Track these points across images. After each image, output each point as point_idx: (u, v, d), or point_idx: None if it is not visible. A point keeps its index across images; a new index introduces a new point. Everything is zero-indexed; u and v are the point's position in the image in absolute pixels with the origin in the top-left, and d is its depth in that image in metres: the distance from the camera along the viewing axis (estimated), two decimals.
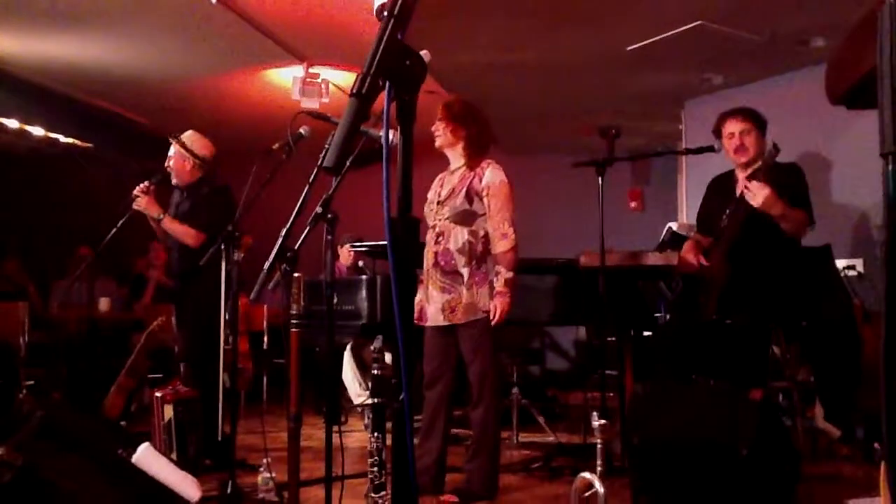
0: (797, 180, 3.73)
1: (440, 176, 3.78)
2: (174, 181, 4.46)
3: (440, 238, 3.57)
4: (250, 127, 7.37)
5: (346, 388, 5.79)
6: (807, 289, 3.86)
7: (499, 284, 3.45)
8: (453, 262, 3.52)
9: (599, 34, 5.29)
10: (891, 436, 0.72)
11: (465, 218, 3.54)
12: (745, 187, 3.60)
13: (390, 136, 1.23)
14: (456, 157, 3.68)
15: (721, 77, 6.12)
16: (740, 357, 3.90)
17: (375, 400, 1.96)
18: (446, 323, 3.52)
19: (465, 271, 3.50)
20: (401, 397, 1.14)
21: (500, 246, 3.49)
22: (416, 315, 3.59)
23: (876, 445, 3.79)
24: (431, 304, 3.56)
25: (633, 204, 8.53)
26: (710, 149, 4.07)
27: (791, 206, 3.60)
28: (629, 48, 5.41)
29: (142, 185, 4.35)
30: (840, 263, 4.25)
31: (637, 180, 8.49)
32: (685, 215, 6.69)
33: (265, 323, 6.78)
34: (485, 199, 3.53)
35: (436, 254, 3.57)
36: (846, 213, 5.07)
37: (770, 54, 5.46)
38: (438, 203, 3.64)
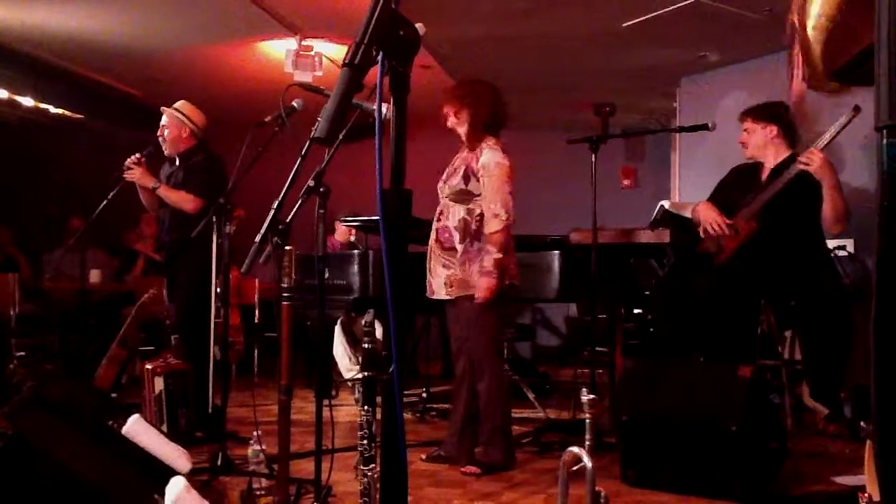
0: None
1: (457, 156, 3.82)
2: (167, 151, 4.44)
3: (441, 215, 3.68)
4: (243, 99, 7.31)
5: (336, 363, 5.80)
6: (799, 267, 3.90)
7: (486, 264, 3.48)
8: (451, 238, 3.61)
9: (596, 10, 5.24)
10: (878, 415, 0.72)
11: (462, 197, 3.61)
12: (802, 155, 3.74)
13: (384, 109, 1.22)
14: (464, 137, 3.72)
15: (717, 54, 6.09)
16: (731, 334, 3.94)
17: (365, 373, 1.96)
18: (449, 297, 3.61)
19: (459, 248, 3.59)
20: (391, 370, 1.14)
21: (491, 226, 3.53)
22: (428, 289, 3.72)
23: (863, 424, 3.83)
24: (435, 279, 3.66)
25: (626, 181, 8.52)
26: (704, 127, 4.08)
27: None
28: (625, 24, 5.37)
29: (133, 157, 4.33)
30: (831, 244, 4.26)
31: (631, 157, 8.48)
32: (678, 193, 6.69)
33: (256, 296, 6.78)
34: (481, 180, 3.56)
35: (437, 230, 3.68)
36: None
37: (768, 31, 5.43)
38: (444, 181, 3.73)
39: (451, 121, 3.71)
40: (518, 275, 3.67)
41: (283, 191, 2.55)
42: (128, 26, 5.94)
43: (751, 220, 3.91)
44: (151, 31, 6.04)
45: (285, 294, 2.49)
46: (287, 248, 2.46)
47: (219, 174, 4.30)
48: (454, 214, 3.62)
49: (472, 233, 3.58)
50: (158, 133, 4.44)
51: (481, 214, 3.58)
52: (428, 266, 3.71)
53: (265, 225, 2.51)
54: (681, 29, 5.47)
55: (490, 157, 3.57)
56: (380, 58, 1.14)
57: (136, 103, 7.73)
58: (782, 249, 3.86)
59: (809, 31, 1.26)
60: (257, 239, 2.51)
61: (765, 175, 4.08)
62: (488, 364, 3.60)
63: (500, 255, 3.48)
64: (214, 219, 3.72)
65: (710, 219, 4.04)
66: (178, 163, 4.43)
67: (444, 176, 3.75)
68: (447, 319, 3.82)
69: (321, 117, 1.13)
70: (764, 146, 4.08)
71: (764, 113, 4.09)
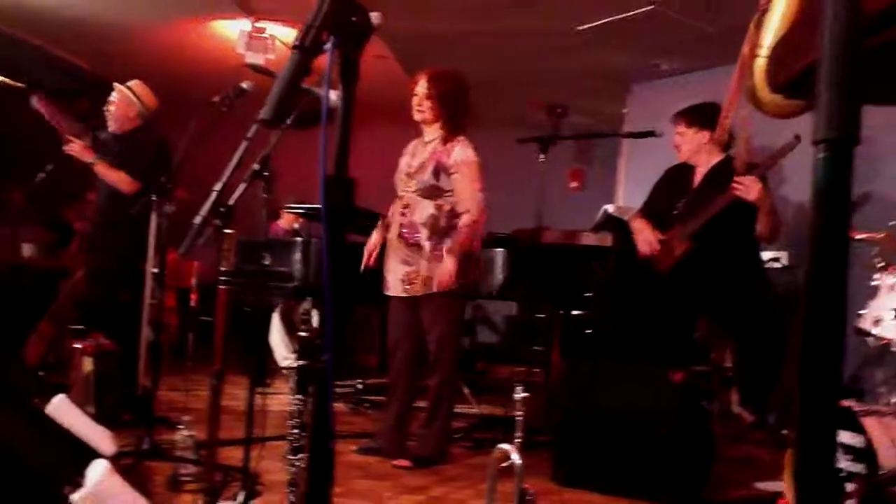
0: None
1: (413, 143, 3.78)
2: (111, 127, 4.34)
3: (406, 210, 3.61)
4: (193, 78, 7.16)
5: (273, 350, 5.73)
6: (733, 279, 3.97)
7: (449, 251, 3.48)
8: (417, 235, 3.56)
9: (553, 12, 5.28)
10: (801, 424, 0.73)
11: (432, 192, 3.57)
12: (737, 180, 3.68)
13: (332, 96, 1.20)
14: (432, 131, 3.68)
15: (669, 63, 6.19)
16: (666, 339, 4.00)
17: (299, 362, 1.94)
18: (405, 295, 3.58)
19: (426, 245, 3.54)
20: (324, 359, 1.12)
21: (464, 220, 3.53)
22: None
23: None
24: (392, 275, 3.63)
25: (573, 184, 8.59)
26: (652, 133, 4.14)
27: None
28: (581, 28, 5.41)
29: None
30: (766, 255, 4.36)
31: (579, 160, 8.55)
32: (622, 198, 6.77)
33: (194, 279, 6.66)
34: (452, 177, 3.54)
35: (401, 225, 3.61)
36: (779, 205, 5.19)
37: (721, 45, 5.52)
38: (408, 174, 3.64)
39: (427, 116, 3.62)
40: (481, 272, 3.68)
41: (227, 173, 2.50)
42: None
43: (685, 241, 3.93)
44: (104, 3, 5.88)
45: (223, 278, 2.44)
46: (228, 231, 2.42)
47: (161, 157, 4.21)
48: (422, 210, 3.56)
49: (441, 230, 3.55)
50: (105, 107, 4.33)
51: (451, 211, 3.56)
52: (385, 261, 3.67)
53: (206, 206, 2.46)
54: (635, 36, 5.54)
55: (463, 154, 3.56)
56: (330, 43, 1.13)
57: (84, 76, 7.50)
58: (717, 264, 3.91)
59: (759, 60, 1.29)
60: (197, 220, 2.46)
61: (697, 179, 4.06)
62: (446, 359, 3.59)
63: (461, 242, 3.47)
64: (154, 198, 3.64)
65: (643, 239, 4.05)
66: (119, 141, 4.33)
67: (407, 168, 3.68)
68: (390, 314, 3.77)
69: (268, 99, 1.11)
70: (697, 151, 4.03)
71: (696, 116, 4.03)
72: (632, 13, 5.05)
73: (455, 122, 3.61)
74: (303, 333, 2.00)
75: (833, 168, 0.69)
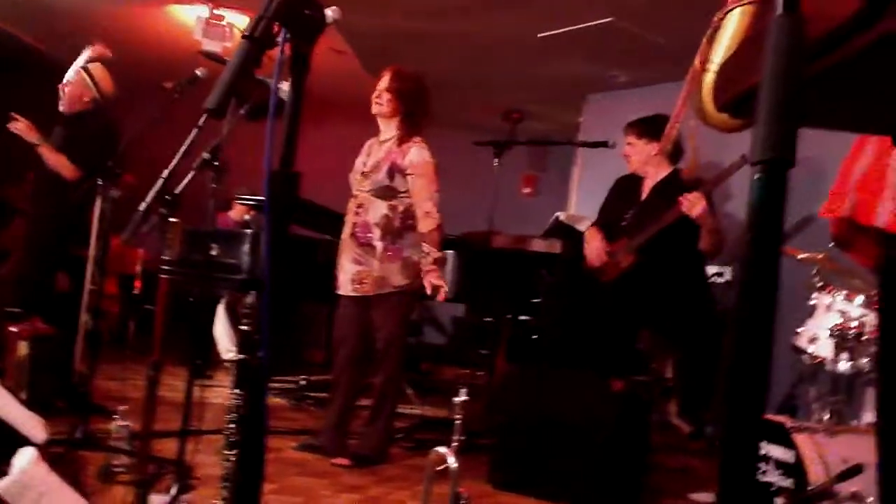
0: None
1: (369, 143, 3.77)
2: (62, 107, 4.24)
3: (360, 209, 3.59)
4: (148, 62, 7.03)
5: (216, 343, 5.65)
6: (677, 292, 4.03)
7: (427, 264, 3.50)
8: (370, 234, 3.54)
9: (513, 17, 5.30)
10: (725, 438, 0.75)
11: (386, 193, 3.56)
12: (684, 196, 3.73)
13: (283, 87, 1.19)
14: (389, 129, 3.66)
15: (626, 75, 6.26)
16: (609, 348, 4.04)
17: (240, 356, 1.91)
18: (356, 294, 3.56)
19: (379, 245, 3.52)
20: (260, 354, 1.11)
21: (425, 225, 3.52)
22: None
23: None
24: (343, 273, 3.61)
25: (526, 189, 8.64)
26: (605, 144, 4.18)
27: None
28: (541, 35, 5.45)
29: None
30: (710, 269, 4.43)
31: (533, 166, 8.61)
32: (574, 206, 6.83)
33: (139, 266, 6.53)
34: (408, 178, 3.54)
35: (354, 224, 3.60)
36: (726, 222, 5.28)
37: (677, 59, 5.59)
38: (363, 174, 3.63)
39: (385, 109, 3.60)
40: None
41: (175, 160, 2.46)
42: None
43: (632, 254, 3.98)
44: None
45: (165, 267, 2.40)
46: (173, 220, 2.38)
47: (108, 142, 4.12)
48: (376, 210, 3.55)
49: (394, 230, 3.53)
50: (61, 86, 4.22)
51: (405, 212, 3.55)
52: (338, 259, 3.66)
53: (152, 193, 2.41)
54: (593, 46, 5.59)
55: (419, 156, 3.55)
56: (282, 35, 1.11)
57: (37, 56, 7.31)
58: (662, 277, 3.96)
59: (709, 75, 1.32)
60: (142, 207, 2.41)
61: (645, 190, 4.11)
62: (392, 359, 3.59)
63: (441, 254, 3.53)
64: (100, 182, 3.56)
65: (592, 249, 4.09)
66: (67, 123, 4.23)
67: (362, 167, 3.66)
68: (338, 311, 3.74)
69: (215, 88, 1.09)
70: (646, 162, 4.07)
71: (647, 128, 4.07)
72: (591, 24, 5.10)
73: (412, 120, 3.61)
74: (245, 327, 1.97)
75: (767, 189, 0.70)
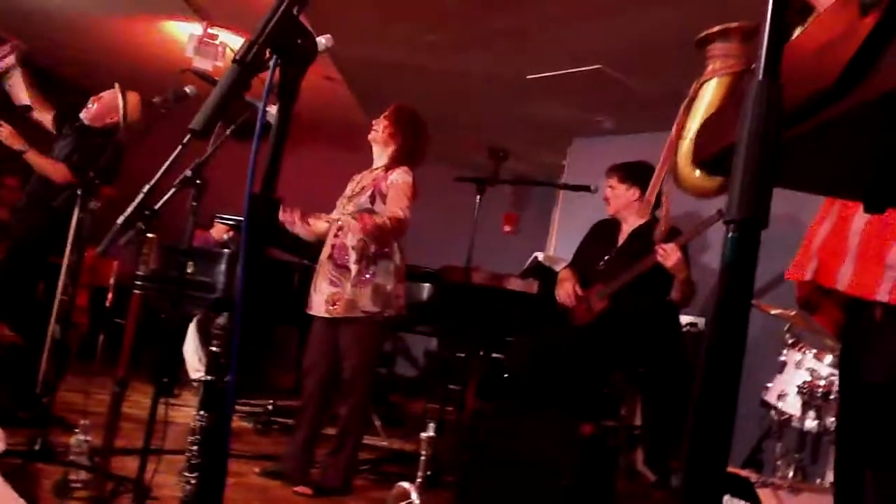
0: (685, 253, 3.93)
1: (360, 175, 3.80)
2: (84, 114, 4.30)
3: (340, 232, 3.60)
4: (138, 75, 7.02)
5: (186, 361, 5.60)
6: (648, 340, 4.05)
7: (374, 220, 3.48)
8: (346, 257, 3.54)
9: (504, 57, 5.36)
10: (691, 487, 0.75)
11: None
12: (660, 246, 3.76)
13: (272, 111, 1.19)
14: (381, 157, 3.70)
15: (611, 122, 6.34)
16: (579, 391, 4.04)
17: (207, 377, 1.90)
18: (327, 315, 3.54)
19: (354, 268, 3.52)
20: (226, 379, 1.10)
21: (384, 218, 3.49)
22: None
23: None
24: (317, 294, 3.60)
25: (507, 227, 8.67)
26: (587, 188, 4.22)
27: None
28: (530, 76, 5.52)
29: None
30: (683, 320, 4.46)
31: (515, 205, 8.66)
32: (554, 247, 6.87)
33: (112, 279, 6.46)
34: (388, 193, 3.55)
35: (333, 246, 3.60)
36: (701, 273, 5.33)
37: (662, 109, 5.68)
38: (348, 198, 3.68)
39: (381, 137, 3.66)
40: (405, 306, 3.66)
41: (156, 176, 2.45)
42: None
43: (604, 299, 4.00)
44: None
45: (139, 282, 2.38)
46: (150, 235, 2.36)
47: (113, 165, 4.16)
48: (355, 234, 3.56)
49: (370, 255, 3.53)
50: (93, 98, 4.28)
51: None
52: (314, 280, 3.65)
53: (131, 207, 2.40)
54: (581, 91, 5.67)
55: (401, 177, 3.58)
56: (272, 62, 1.12)
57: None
58: (634, 323, 3.98)
59: (685, 143, 1.36)
60: (120, 220, 2.40)
61: (622, 236, 4.14)
62: (359, 388, 3.56)
63: (388, 224, 3.46)
64: (79, 192, 3.54)
65: (564, 290, 4.11)
66: (83, 132, 4.27)
67: (349, 192, 3.71)
68: (311, 335, 3.73)
69: (201, 109, 1.10)
70: (625, 207, 4.11)
71: (629, 174, 4.11)
72: (579, 69, 5.17)
73: (406, 151, 3.65)
74: (214, 349, 1.96)
75: (739, 247, 0.71)
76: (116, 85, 4.34)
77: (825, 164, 1.04)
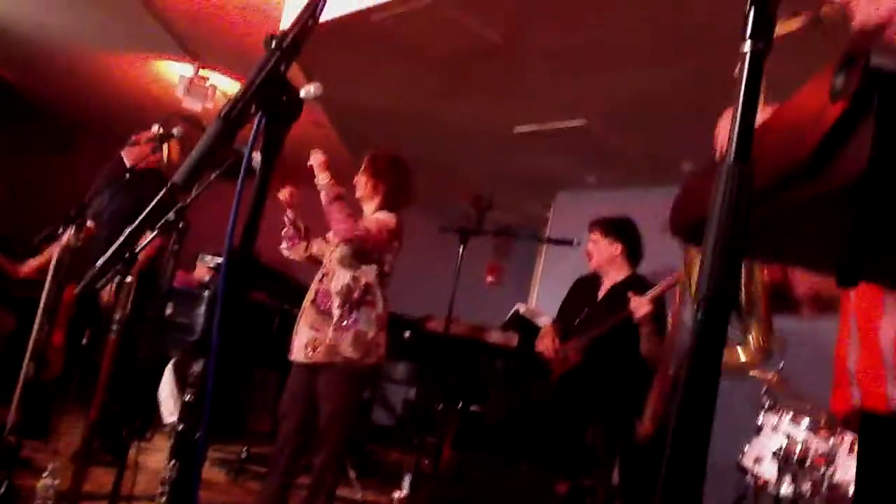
0: (661, 309, 3.93)
1: None
2: (129, 153, 4.34)
3: (324, 277, 3.59)
4: (126, 112, 7.07)
5: (160, 405, 5.51)
6: (624, 395, 4.04)
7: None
8: (329, 302, 3.51)
9: (492, 108, 5.44)
10: None
11: (351, 262, 3.54)
12: (633, 297, 3.77)
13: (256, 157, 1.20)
14: (370, 208, 3.69)
15: (596, 177, 6.41)
16: (556, 446, 4.02)
17: (180, 426, 1.87)
18: (307, 361, 3.50)
19: (336, 313, 3.48)
20: (197, 435, 1.09)
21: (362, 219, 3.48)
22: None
23: None
24: (298, 339, 3.55)
25: (489, 278, 8.69)
26: (569, 243, 4.24)
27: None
28: (517, 130, 5.59)
29: None
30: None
31: (498, 255, 8.68)
32: (535, 299, 6.88)
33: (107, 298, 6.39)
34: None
35: (316, 291, 3.58)
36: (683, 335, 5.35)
37: (644, 167, 5.78)
38: (336, 245, 3.63)
39: (366, 192, 3.67)
40: (385, 355, 3.63)
41: (138, 220, 2.45)
42: (16, 6, 5.66)
43: (579, 353, 4.00)
44: (51, 21, 5.79)
45: (115, 326, 2.36)
46: (129, 278, 2.35)
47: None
48: (339, 279, 3.52)
49: (353, 301, 3.49)
50: (135, 137, 4.34)
51: (366, 285, 3.53)
52: (296, 325, 3.62)
53: (112, 249, 2.39)
54: (567, 146, 5.74)
55: (384, 216, 3.57)
56: (257, 118, 1.13)
57: (7, 90, 7.31)
58: (609, 377, 3.98)
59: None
60: (100, 261, 2.39)
61: (602, 291, 4.14)
62: (334, 437, 3.48)
63: (343, 209, 3.41)
64: (61, 229, 3.53)
65: (544, 343, 4.12)
66: (133, 182, 4.31)
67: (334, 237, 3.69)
68: (289, 380, 3.68)
69: (184, 163, 1.10)
70: (608, 262, 4.11)
71: (612, 229, 4.12)
72: (566, 124, 5.25)
73: (393, 197, 3.66)
74: (188, 397, 1.94)
75: (708, 322, 0.72)
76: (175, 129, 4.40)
77: (797, 239, 1.06)
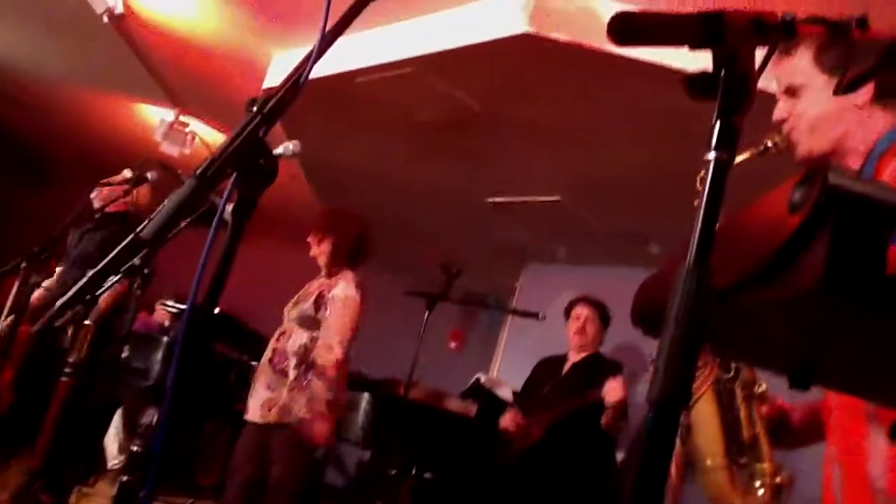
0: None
1: (310, 282, 3.77)
2: (98, 195, 4.29)
3: (282, 337, 3.54)
4: (102, 152, 7.05)
5: (105, 448, 5.37)
6: (585, 471, 4.02)
7: (319, 405, 3.35)
8: (286, 362, 3.45)
9: (466, 176, 5.49)
10: None
11: (309, 323, 3.50)
12: (610, 382, 3.79)
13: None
14: (324, 266, 3.68)
15: (566, 252, 6.47)
16: None
17: (124, 478, 1.82)
18: (261, 421, 3.42)
19: (292, 373, 3.42)
20: (142, 493, 1.07)
21: (323, 358, 3.40)
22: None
23: None
24: (253, 399, 3.49)
25: (453, 343, 8.66)
26: (535, 316, 4.26)
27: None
28: (491, 200, 5.64)
29: None
30: (620, 456, 4.44)
31: (463, 322, 8.68)
32: (497, 369, 6.86)
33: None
34: (329, 309, 3.49)
35: (274, 350, 3.52)
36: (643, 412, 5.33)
37: (613, 246, 5.85)
38: (294, 303, 3.63)
39: (314, 250, 3.66)
40: (343, 416, 3.58)
41: (101, 263, 2.42)
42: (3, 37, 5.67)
43: (542, 428, 3.99)
44: (31, 52, 5.80)
45: (67, 369, 2.31)
46: (86, 322, 2.32)
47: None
48: (296, 339, 3.48)
49: (309, 362, 3.45)
50: (102, 182, 4.29)
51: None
52: (252, 385, 3.57)
53: (73, 291, 2.36)
54: (539, 219, 5.81)
55: (344, 290, 3.51)
56: (231, 179, 1.14)
57: None
58: (569, 454, 3.96)
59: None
60: (59, 303, 2.35)
61: (567, 367, 4.19)
62: (284, 498, 3.41)
63: (332, 396, 3.38)
64: (23, 265, 3.47)
65: (509, 416, 4.12)
66: (103, 224, 4.26)
67: (296, 298, 3.66)
68: (241, 437, 3.57)
69: (154, 217, 1.10)
70: (594, 343, 4.20)
71: (603, 313, 4.23)
72: (540, 199, 5.32)
73: (338, 252, 3.64)
74: (136, 448, 1.89)
75: (658, 426, 0.73)
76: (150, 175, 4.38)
77: (755, 339, 1.08)
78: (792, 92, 1.56)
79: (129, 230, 4.20)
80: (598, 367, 3.97)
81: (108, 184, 4.34)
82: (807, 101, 1.53)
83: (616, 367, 4.06)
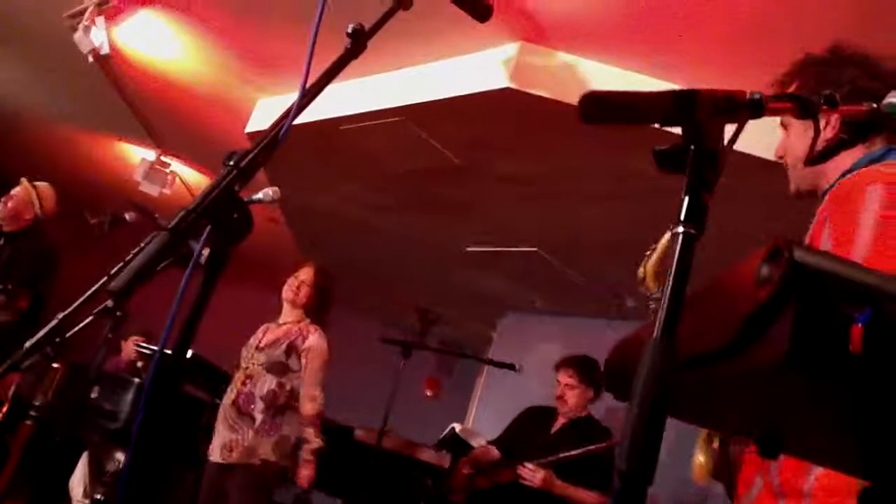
0: (604, 463, 3.77)
1: (265, 326, 3.85)
2: (2, 223, 4.17)
3: (248, 381, 3.59)
4: (82, 189, 7.00)
5: (70, 490, 5.24)
6: None
7: (306, 453, 3.50)
8: (252, 406, 3.52)
9: (445, 226, 5.52)
10: None
11: (279, 369, 3.59)
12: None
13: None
14: (292, 314, 3.77)
15: (543, 302, 6.48)
16: None
17: None
18: (222, 461, 3.46)
19: (259, 416, 3.50)
20: None
21: (308, 408, 3.55)
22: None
23: None
24: (216, 439, 3.54)
25: (428, 392, 8.60)
26: (511, 367, 4.24)
27: (578, 486, 3.68)
28: (469, 248, 5.66)
29: None
30: None
31: (439, 370, 8.63)
32: (472, 419, 6.81)
33: (11, 391, 6.12)
34: (302, 359, 3.60)
35: (239, 393, 3.57)
36: None
37: (588, 298, 5.87)
38: (257, 348, 3.69)
39: (297, 298, 3.74)
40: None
41: (73, 305, 2.39)
42: None
43: (511, 475, 3.89)
44: (14, 92, 5.80)
45: (32, 412, 2.27)
46: (55, 364, 2.28)
47: (50, 264, 4.05)
48: (264, 384, 3.55)
49: (278, 406, 3.53)
50: (3, 199, 4.18)
51: (291, 391, 3.57)
52: (214, 426, 3.57)
53: (41, 332, 2.32)
54: (516, 269, 5.82)
55: (318, 342, 3.64)
56: (205, 232, 1.14)
57: None
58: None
59: None
60: (27, 344, 2.32)
61: (557, 425, 4.05)
62: None
63: (320, 443, 3.51)
64: None
65: (484, 449, 4.08)
66: (10, 240, 4.16)
67: (256, 342, 3.72)
68: (203, 479, 3.58)
69: (125, 267, 1.10)
70: (581, 407, 3.99)
71: (587, 374, 3.99)
72: (516, 249, 5.34)
73: (317, 309, 3.77)
74: (99, 497, 1.85)
75: (626, 496, 0.73)
76: (24, 180, 4.28)
77: (724, 407, 1.08)
78: (784, 127, 1.65)
79: (41, 240, 4.15)
80: (583, 434, 3.84)
81: (6, 203, 4.24)
82: (793, 138, 1.62)
83: (603, 433, 3.92)
